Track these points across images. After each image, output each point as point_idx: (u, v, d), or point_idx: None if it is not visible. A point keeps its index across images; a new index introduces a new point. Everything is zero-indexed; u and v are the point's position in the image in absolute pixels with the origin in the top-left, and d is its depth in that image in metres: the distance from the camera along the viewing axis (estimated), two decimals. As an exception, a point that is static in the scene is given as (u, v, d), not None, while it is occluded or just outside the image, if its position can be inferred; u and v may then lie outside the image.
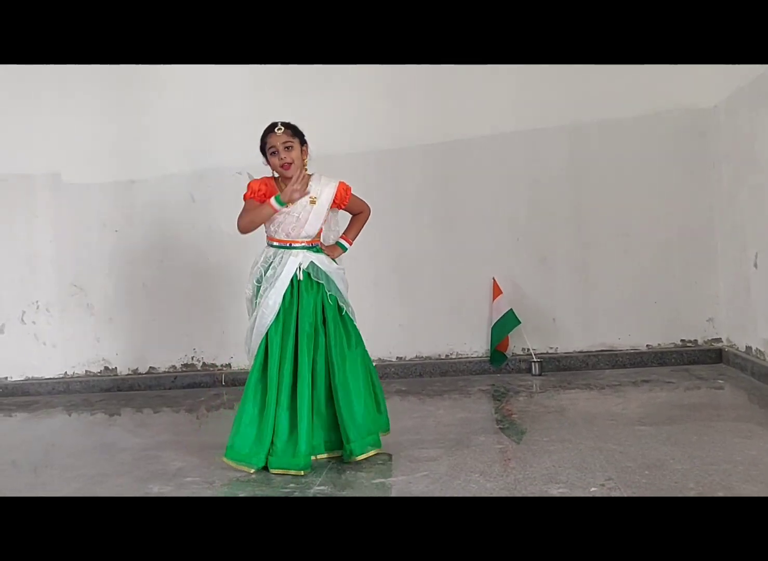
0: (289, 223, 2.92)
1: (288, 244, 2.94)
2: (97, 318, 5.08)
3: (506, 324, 4.53)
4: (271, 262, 2.93)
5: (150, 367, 5.05)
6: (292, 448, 2.78)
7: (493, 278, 4.64)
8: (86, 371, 5.10)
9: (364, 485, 2.60)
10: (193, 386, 4.90)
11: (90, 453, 3.32)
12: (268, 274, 2.91)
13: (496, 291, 4.61)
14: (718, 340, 4.58)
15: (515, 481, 2.53)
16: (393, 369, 4.71)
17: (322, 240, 3.05)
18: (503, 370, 4.65)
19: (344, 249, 3.07)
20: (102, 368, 5.09)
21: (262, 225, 2.99)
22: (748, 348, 4.13)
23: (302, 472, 2.75)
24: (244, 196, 3.03)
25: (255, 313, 2.91)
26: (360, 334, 3.02)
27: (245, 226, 2.99)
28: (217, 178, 4.93)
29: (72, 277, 5.09)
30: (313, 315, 2.90)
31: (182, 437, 3.52)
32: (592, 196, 4.64)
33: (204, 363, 5.01)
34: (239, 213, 3.02)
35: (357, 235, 3.11)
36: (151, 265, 5.01)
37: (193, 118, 4.93)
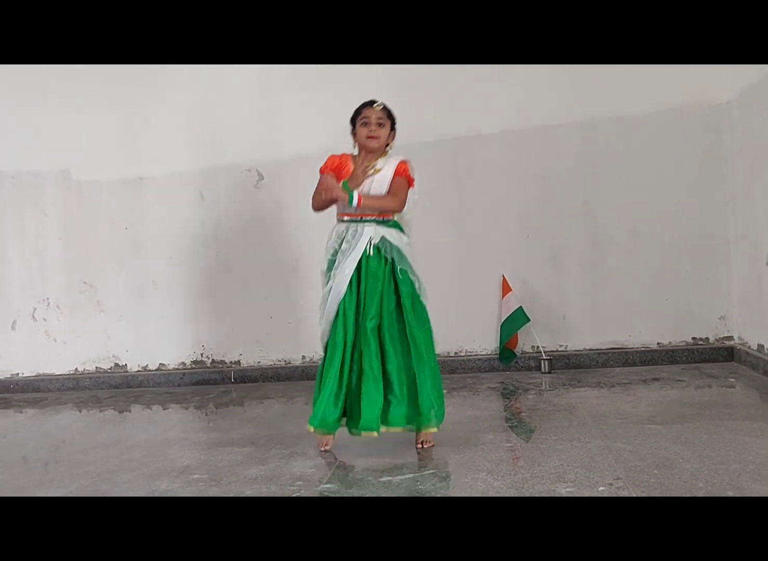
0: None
1: (359, 218, 2.97)
2: (107, 315, 5.10)
3: (516, 321, 4.51)
4: (344, 237, 2.98)
5: (160, 364, 5.07)
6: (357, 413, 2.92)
7: (503, 275, 4.61)
8: (96, 368, 5.13)
9: (371, 483, 2.59)
10: (202, 383, 4.92)
11: (99, 449, 3.33)
12: (342, 247, 2.97)
13: (506, 288, 4.59)
14: (730, 338, 4.53)
15: (523, 480, 2.51)
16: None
17: (395, 217, 3.05)
18: (512, 367, 4.63)
19: (350, 195, 2.88)
20: (112, 365, 5.12)
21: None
22: (761, 346, 4.09)
23: (375, 434, 2.88)
24: (320, 169, 3.07)
25: (330, 284, 2.99)
26: (427, 312, 3.04)
27: (318, 206, 3.07)
28: (226, 175, 4.94)
29: (82, 274, 5.11)
30: (381, 293, 2.95)
31: (190, 434, 3.53)
32: (603, 193, 4.60)
33: (213, 360, 5.02)
34: (315, 189, 3.05)
35: (370, 204, 2.94)
36: (161, 262, 5.03)
37: (202, 116, 4.93)
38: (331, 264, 3.01)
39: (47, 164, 5.09)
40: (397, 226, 3.04)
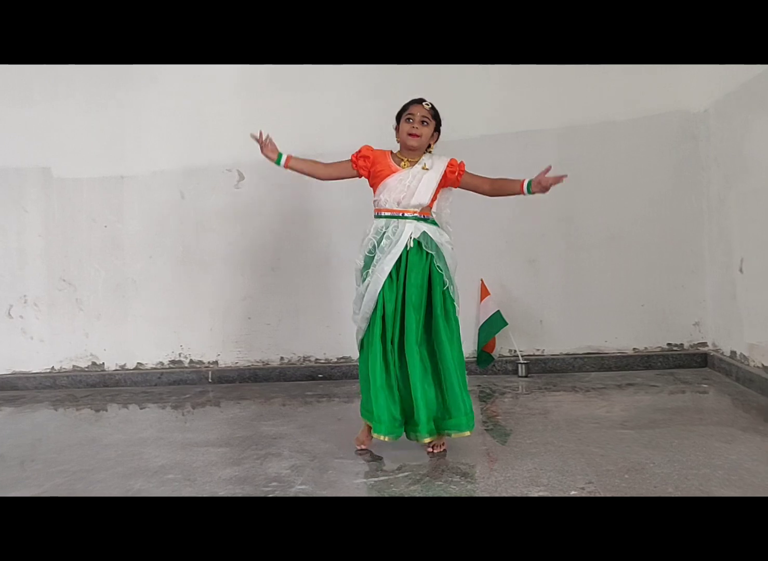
0: (399, 192, 2.92)
1: (400, 214, 2.94)
2: (86, 313, 5.07)
3: (493, 325, 4.54)
4: (384, 233, 2.92)
5: (137, 363, 5.05)
6: (412, 418, 2.87)
7: (481, 280, 4.64)
8: (73, 366, 5.09)
9: (345, 485, 2.60)
10: (179, 383, 4.90)
11: (74, 448, 3.31)
12: (383, 243, 2.91)
13: (484, 292, 4.62)
14: (704, 344, 4.60)
15: (496, 483, 2.54)
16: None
17: (435, 216, 3.03)
18: (489, 371, 4.66)
19: (529, 188, 2.95)
20: (89, 363, 5.09)
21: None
22: (733, 352, 4.15)
23: (427, 440, 2.85)
24: (352, 155, 3.04)
25: (367, 280, 2.92)
26: (456, 312, 3.00)
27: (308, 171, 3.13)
28: (207, 174, 4.93)
29: (61, 272, 5.08)
30: (420, 287, 2.92)
31: (166, 434, 3.52)
32: (582, 198, 4.64)
33: (191, 360, 5.00)
34: (328, 164, 3.09)
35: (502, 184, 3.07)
36: (140, 261, 5.01)
37: (183, 115, 4.92)
38: (369, 260, 2.95)
39: (28, 161, 5.04)
40: (435, 224, 3.02)
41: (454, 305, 2.98)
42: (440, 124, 3.02)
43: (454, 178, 3.01)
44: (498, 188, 3.06)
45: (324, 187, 4.73)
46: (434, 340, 2.92)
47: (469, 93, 4.67)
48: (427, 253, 2.92)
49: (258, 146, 3.02)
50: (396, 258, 2.88)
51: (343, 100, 4.76)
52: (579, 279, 4.68)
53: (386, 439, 2.85)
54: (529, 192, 2.97)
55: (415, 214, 2.95)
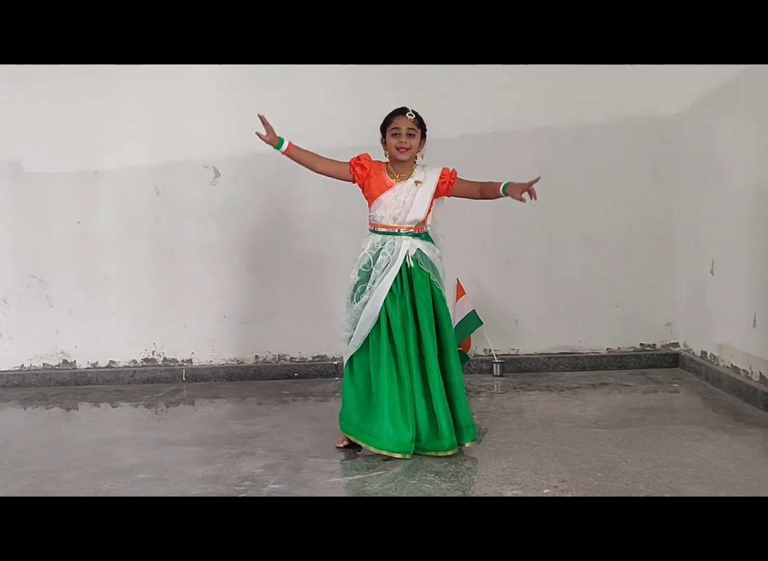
0: (395, 208, 2.93)
1: (396, 230, 2.94)
2: (57, 310, 4.99)
3: (469, 324, 4.55)
4: (381, 249, 2.93)
5: (110, 361, 4.99)
6: (435, 430, 2.83)
7: (457, 279, 4.65)
8: (44, 364, 5.01)
9: (319, 484, 2.59)
10: (153, 381, 4.86)
11: (43, 448, 3.26)
12: (379, 259, 2.91)
13: (460, 292, 4.63)
14: (676, 344, 4.65)
15: (470, 482, 2.55)
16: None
17: (429, 229, 3.03)
18: (465, 370, 4.63)
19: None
20: (60, 361, 5.01)
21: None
22: (703, 353, 4.21)
23: (449, 453, 2.81)
24: (351, 159, 3.04)
25: (365, 298, 2.89)
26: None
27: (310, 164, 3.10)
28: (183, 171, 4.89)
29: (31, 268, 4.99)
30: (428, 302, 2.91)
31: (139, 433, 3.48)
32: (558, 200, 4.66)
33: (165, 358, 4.95)
34: (327, 160, 3.08)
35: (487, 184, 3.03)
36: (113, 257, 4.95)
37: (159, 110, 4.86)
38: (365, 275, 2.93)
39: (-3, 155, 4.97)
40: (429, 238, 3.02)
41: (450, 319, 3.01)
42: (425, 130, 3.02)
43: (445, 188, 3.01)
44: (485, 194, 3.05)
45: (299, 185, 4.73)
46: (443, 354, 2.92)
47: (447, 93, 4.67)
48: (424, 270, 2.94)
49: (254, 132, 2.99)
50: (395, 275, 2.88)
51: (320, 98, 4.74)
52: (554, 279, 4.71)
53: (398, 456, 2.80)
54: (504, 193, 2.95)
55: (410, 230, 2.96)
